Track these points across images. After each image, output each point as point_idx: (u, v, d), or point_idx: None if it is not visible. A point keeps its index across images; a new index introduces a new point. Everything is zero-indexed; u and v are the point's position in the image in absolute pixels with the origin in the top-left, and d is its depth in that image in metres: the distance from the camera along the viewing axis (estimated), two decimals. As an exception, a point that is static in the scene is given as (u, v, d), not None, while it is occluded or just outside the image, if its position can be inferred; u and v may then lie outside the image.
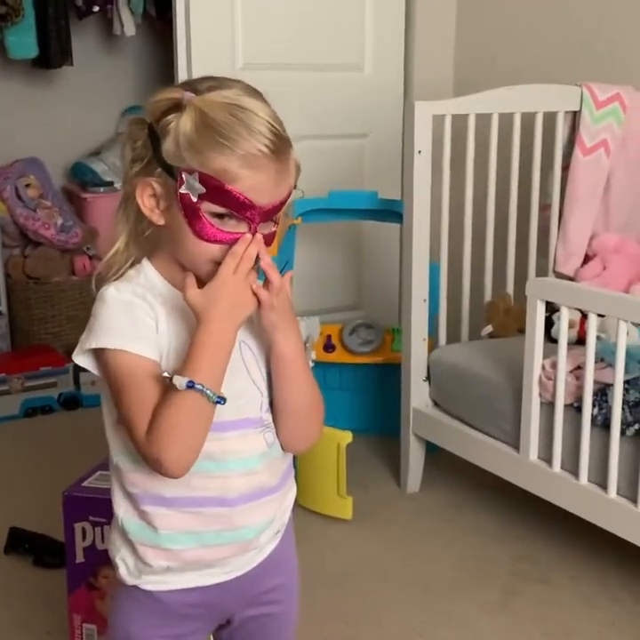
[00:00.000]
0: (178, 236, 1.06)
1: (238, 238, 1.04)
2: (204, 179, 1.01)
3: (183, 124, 1.01)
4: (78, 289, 3.57)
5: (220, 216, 1.03)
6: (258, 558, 1.16)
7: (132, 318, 1.05)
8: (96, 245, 3.65)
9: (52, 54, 3.51)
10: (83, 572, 1.76)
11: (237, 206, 1.03)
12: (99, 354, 1.06)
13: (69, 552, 1.76)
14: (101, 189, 3.72)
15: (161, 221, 1.06)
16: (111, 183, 3.73)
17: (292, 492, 1.20)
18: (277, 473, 1.14)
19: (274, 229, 1.09)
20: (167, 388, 1.02)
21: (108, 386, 1.07)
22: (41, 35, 3.45)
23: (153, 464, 1.03)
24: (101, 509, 1.67)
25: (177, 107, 1.02)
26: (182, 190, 1.02)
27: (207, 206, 1.02)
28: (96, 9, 3.51)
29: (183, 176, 1.02)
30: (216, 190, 1.01)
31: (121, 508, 1.11)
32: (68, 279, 3.59)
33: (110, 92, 3.91)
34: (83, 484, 1.75)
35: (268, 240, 1.08)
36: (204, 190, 1.01)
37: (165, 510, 1.08)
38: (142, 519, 1.09)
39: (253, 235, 1.04)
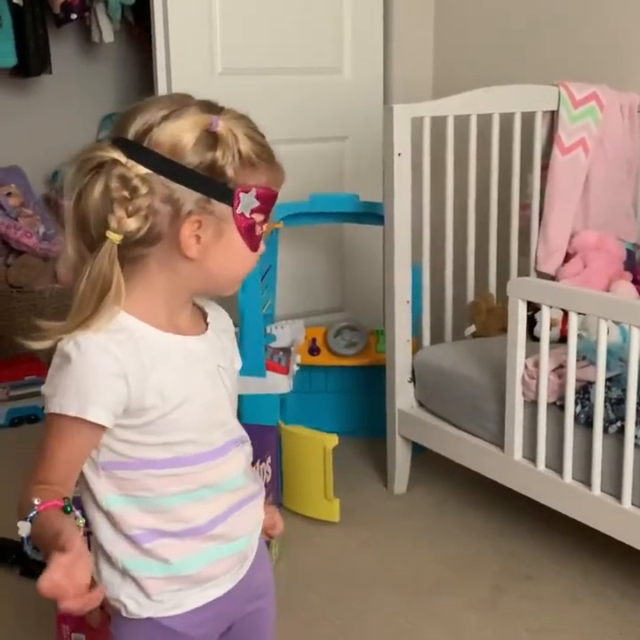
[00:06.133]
0: (220, 261, 1.06)
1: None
2: (260, 192, 1.05)
3: (242, 147, 1.03)
4: (61, 297, 3.56)
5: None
6: (251, 559, 1.18)
7: (100, 378, 1.01)
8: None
9: (31, 63, 3.51)
10: (70, 581, 1.75)
11: (272, 205, 1.08)
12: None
13: (56, 562, 1.75)
14: (83, 196, 3.71)
15: (195, 254, 1.04)
16: (92, 190, 3.72)
17: (264, 491, 1.23)
18: (256, 478, 1.19)
19: None
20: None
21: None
22: (19, 43, 3.45)
23: None
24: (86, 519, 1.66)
25: (212, 137, 1.01)
26: (239, 210, 1.04)
27: (257, 218, 1.06)
28: (74, 16, 3.51)
29: (240, 196, 1.04)
30: (266, 199, 1.06)
31: (118, 550, 1.08)
32: (52, 287, 3.58)
33: (90, 99, 3.91)
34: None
35: None
36: (259, 203, 1.05)
37: (171, 540, 1.08)
38: (148, 556, 1.08)
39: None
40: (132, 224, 0.99)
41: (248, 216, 1.05)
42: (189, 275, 1.06)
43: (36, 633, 1.92)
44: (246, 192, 1.03)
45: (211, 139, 1.01)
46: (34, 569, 2.13)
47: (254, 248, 1.08)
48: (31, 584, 2.18)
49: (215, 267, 1.06)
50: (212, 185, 1.02)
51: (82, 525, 0.97)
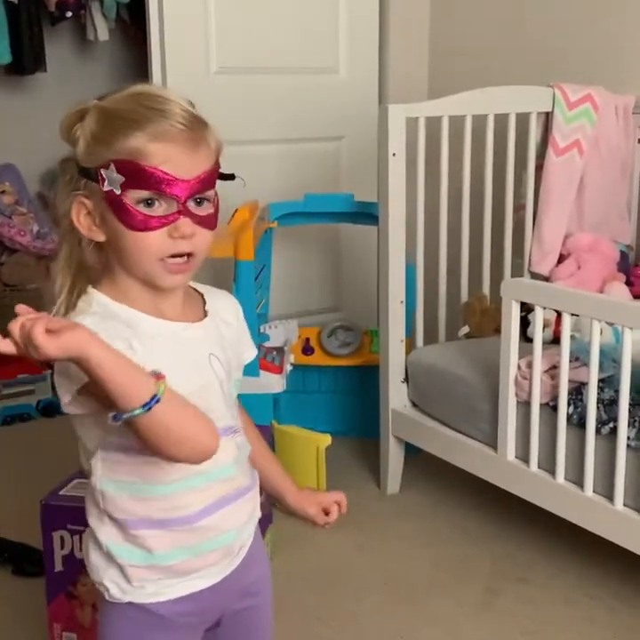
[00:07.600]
0: (118, 243, 1.04)
1: (173, 221, 1.03)
2: (119, 166, 1.01)
3: (88, 123, 1.03)
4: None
5: (147, 202, 1.02)
6: (242, 554, 1.18)
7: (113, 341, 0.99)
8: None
9: (26, 60, 3.49)
10: (62, 580, 1.75)
11: (159, 184, 1.01)
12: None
13: (48, 561, 1.75)
14: (77, 195, 3.70)
15: (102, 237, 1.05)
16: (87, 189, 3.71)
17: (258, 486, 1.23)
18: (248, 472, 1.18)
19: (211, 211, 1.07)
20: None
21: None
22: (14, 41, 3.43)
23: None
24: (79, 518, 1.65)
25: (82, 116, 1.05)
26: (105, 188, 1.02)
27: (132, 195, 1.02)
28: (69, 14, 3.49)
29: (101, 173, 1.02)
30: (134, 173, 1.01)
31: (104, 533, 1.10)
32: (45, 285, 3.57)
33: (84, 98, 3.89)
34: (60, 493, 1.74)
35: (209, 222, 1.07)
36: (124, 178, 1.01)
37: (157, 531, 1.09)
38: (132, 543, 1.09)
39: (184, 214, 1.03)
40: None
41: (118, 193, 1.02)
42: (119, 259, 1.06)
43: (28, 632, 1.92)
44: (106, 168, 1.02)
45: (77, 121, 1.04)
46: (26, 568, 2.12)
47: (130, 226, 1.02)
48: (23, 582, 2.19)
49: (120, 248, 1.04)
50: (75, 165, 1.05)
51: (162, 390, 0.94)
